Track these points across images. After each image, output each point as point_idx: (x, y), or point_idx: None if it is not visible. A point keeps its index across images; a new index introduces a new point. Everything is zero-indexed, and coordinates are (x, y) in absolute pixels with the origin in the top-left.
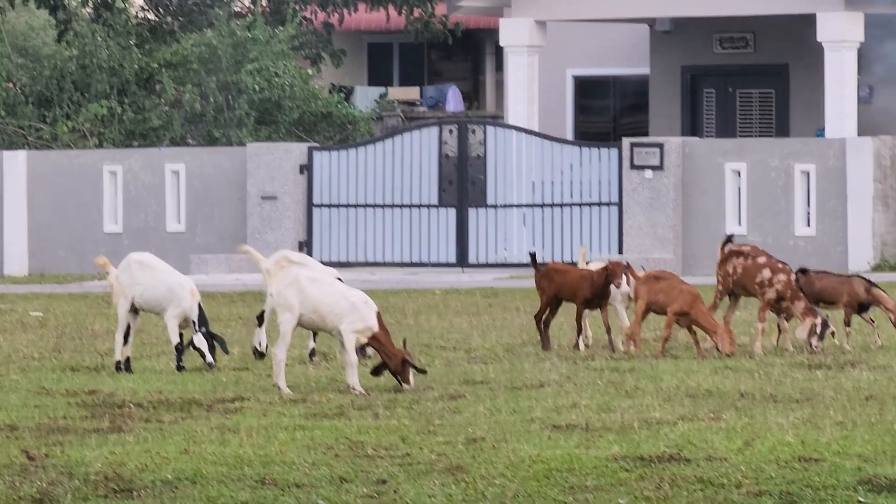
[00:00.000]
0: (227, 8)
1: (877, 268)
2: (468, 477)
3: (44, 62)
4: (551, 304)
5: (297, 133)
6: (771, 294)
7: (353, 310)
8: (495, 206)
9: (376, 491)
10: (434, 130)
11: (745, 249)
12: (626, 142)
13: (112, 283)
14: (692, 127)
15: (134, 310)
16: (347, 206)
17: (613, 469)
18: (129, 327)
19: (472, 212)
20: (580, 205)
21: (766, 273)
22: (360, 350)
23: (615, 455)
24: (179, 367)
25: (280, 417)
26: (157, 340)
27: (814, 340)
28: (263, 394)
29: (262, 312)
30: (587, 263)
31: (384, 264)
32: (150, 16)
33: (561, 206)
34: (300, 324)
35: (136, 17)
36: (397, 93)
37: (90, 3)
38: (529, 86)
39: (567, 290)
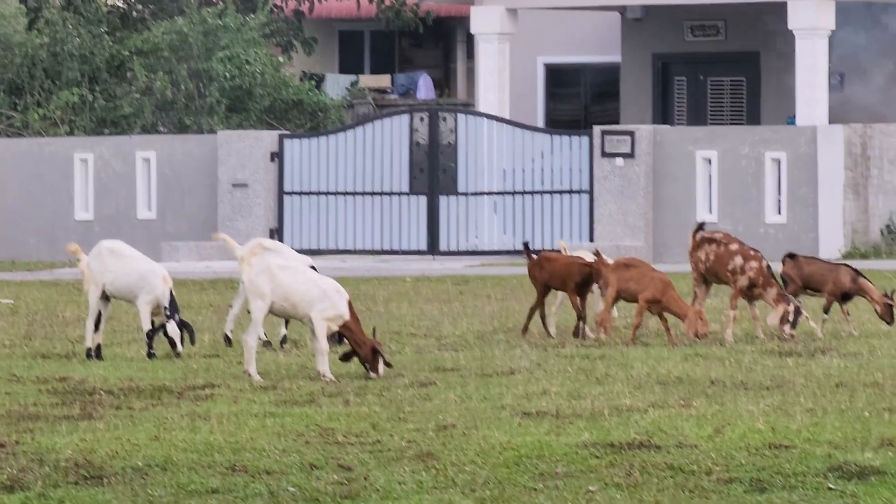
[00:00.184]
0: None
1: (847, 255)
2: (438, 464)
3: (15, 50)
4: (544, 293)
5: (267, 121)
6: (743, 281)
7: (324, 297)
8: (466, 194)
9: (346, 478)
10: (405, 118)
11: (718, 237)
12: (597, 129)
13: (83, 270)
14: (663, 115)
15: (105, 297)
16: (318, 193)
17: (584, 456)
18: (99, 314)
19: (442, 199)
20: (551, 192)
21: (739, 260)
22: (331, 337)
23: (585, 442)
24: (150, 355)
25: (250, 404)
26: (127, 328)
27: (786, 328)
28: (234, 381)
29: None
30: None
31: (355, 252)
32: (121, 3)
33: (532, 193)
34: (272, 311)
35: (107, 4)
36: (368, 80)
37: None
38: (500, 73)
39: (556, 279)
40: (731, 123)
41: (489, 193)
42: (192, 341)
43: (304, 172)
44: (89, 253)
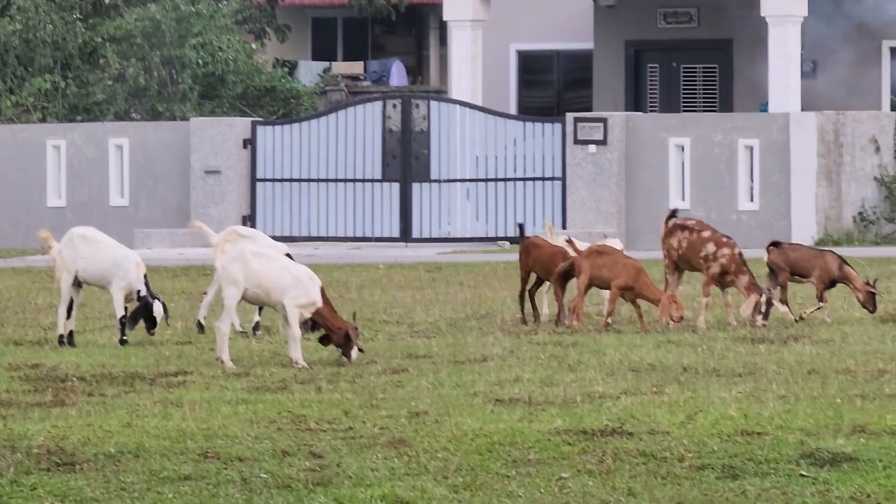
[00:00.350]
0: None
1: (819, 242)
2: (411, 450)
3: None
4: (527, 278)
5: (240, 107)
6: (715, 268)
7: (297, 284)
8: (439, 181)
9: (318, 465)
10: (378, 105)
11: (690, 224)
12: (569, 116)
13: (55, 257)
14: (636, 102)
15: (77, 284)
16: (291, 180)
17: (556, 443)
18: (71, 301)
19: (415, 186)
20: (524, 179)
21: (711, 247)
22: (304, 324)
23: (558, 429)
24: (122, 341)
25: (223, 391)
26: (99, 314)
27: (758, 318)
28: (206, 367)
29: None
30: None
31: (328, 239)
32: None
33: (505, 180)
34: (245, 298)
35: None
36: (341, 67)
37: None
38: (473, 60)
39: (540, 266)
40: (703, 110)
41: (462, 180)
42: (150, 331)
43: (276, 159)
44: (61, 240)
